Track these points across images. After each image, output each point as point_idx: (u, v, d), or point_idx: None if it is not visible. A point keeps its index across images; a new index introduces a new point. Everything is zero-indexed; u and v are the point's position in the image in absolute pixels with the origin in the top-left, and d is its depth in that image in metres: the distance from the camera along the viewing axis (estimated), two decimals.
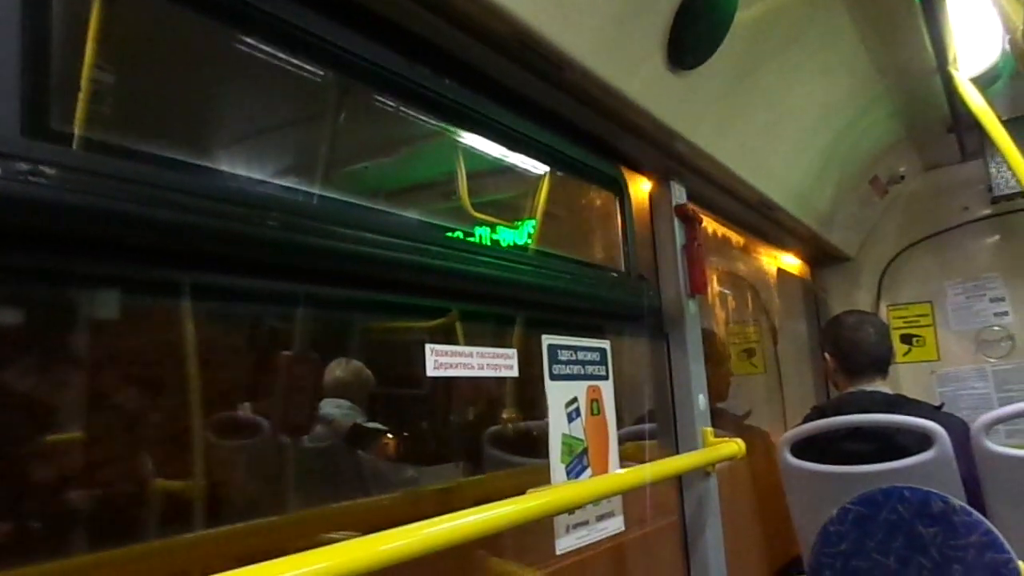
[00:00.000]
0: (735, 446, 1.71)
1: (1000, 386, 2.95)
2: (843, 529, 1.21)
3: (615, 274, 1.62)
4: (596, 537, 1.36)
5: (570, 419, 1.33)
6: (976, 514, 1.13)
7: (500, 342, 1.24)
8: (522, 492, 1.10)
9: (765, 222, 2.51)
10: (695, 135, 1.61)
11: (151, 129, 0.78)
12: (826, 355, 2.46)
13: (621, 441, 1.46)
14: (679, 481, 1.77)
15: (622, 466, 1.44)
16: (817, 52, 1.88)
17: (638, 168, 1.76)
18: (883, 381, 2.35)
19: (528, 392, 1.75)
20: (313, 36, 0.92)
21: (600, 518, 1.39)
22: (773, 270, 3.22)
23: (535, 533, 1.31)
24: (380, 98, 1.21)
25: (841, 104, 2.23)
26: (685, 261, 1.79)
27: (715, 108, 1.67)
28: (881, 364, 2.35)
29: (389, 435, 1.97)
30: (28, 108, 0.63)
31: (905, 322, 3.16)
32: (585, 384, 1.38)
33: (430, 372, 1.04)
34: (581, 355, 1.38)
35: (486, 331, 1.34)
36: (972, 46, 2.05)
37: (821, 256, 3.28)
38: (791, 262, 3.27)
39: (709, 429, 1.76)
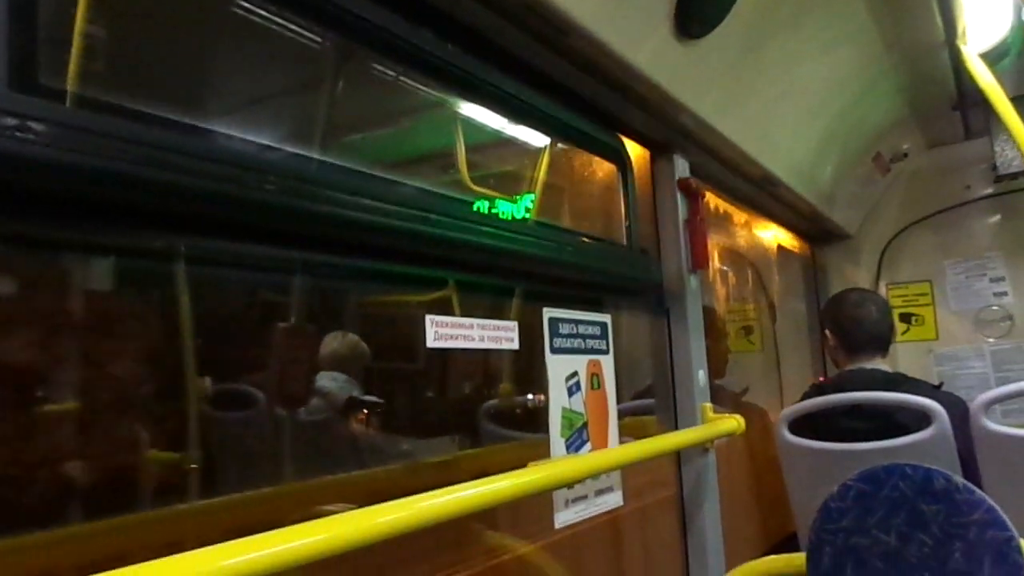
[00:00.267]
0: (734, 422, 1.70)
1: (998, 366, 2.95)
2: (844, 506, 1.21)
3: (616, 247, 1.60)
4: (595, 511, 1.36)
5: (570, 393, 1.32)
6: (979, 492, 1.13)
7: (499, 316, 1.22)
8: (521, 466, 1.09)
9: (766, 198, 2.49)
10: (700, 107, 1.59)
11: (145, 87, 0.76)
12: (826, 332, 2.45)
13: (620, 416, 1.45)
14: (677, 456, 1.76)
15: (621, 441, 1.43)
16: (825, 25, 1.84)
17: (641, 140, 1.74)
18: (883, 359, 2.34)
19: (526, 367, 1.74)
20: None
21: (599, 493, 1.38)
22: (773, 247, 3.21)
23: (534, 507, 1.30)
24: (380, 66, 1.19)
25: (847, 79, 2.20)
26: (687, 236, 1.77)
27: (721, 80, 1.64)
28: (882, 342, 2.34)
29: (385, 409, 1.96)
30: (15, 60, 0.60)
31: (904, 301, 3.15)
32: (586, 358, 1.37)
33: (430, 343, 1.02)
34: (582, 329, 1.37)
35: (485, 305, 1.33)
36: (982, 20, 2.01)
37: (821, 234, 3.26)
38: (791, 239, 3.26)
39: (708, 405, 1.75)
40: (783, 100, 1.99)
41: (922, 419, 2.01)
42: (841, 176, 2.73)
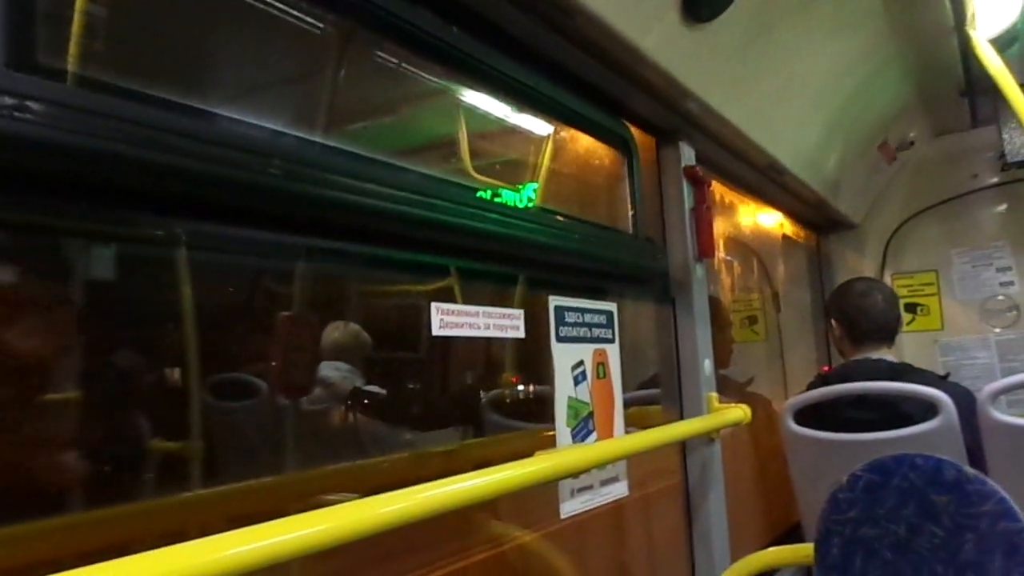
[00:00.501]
0: (740, 412, 1.69)
1: (1003, 356, 2.93)
2: (853, 496, 1.19)
3: (622, 235, 1.58)
4: (600, 501, 1.35)
5: (576, 382, 1.30)
6: (990, 483, 1.11)
7: (504, 305, 1.21)
8: (526, 456, 1.07)
9: (772, 186, 2.47)
10: (706, 93, 1.57)
11: (146, 68, 0.74)
12: (832, 322, 2.43)
13: (626, 405, 1.44)
14: (683, 446, 1.75)
15: (627, 431, 1.42)
16: (833, 9, 1.82)
17: (646, 127, 1.72)
18: (889, 349, 2.32)
19: (531, 357, 1.73)
20: None
21: (604, 482, 1.37)
22: (778, 236, 3.18)
23: (539, 497, 1.29)
24: (382, 51, 1.17)
25: (854, 65, 2.17)
26: (693, 224, 1.76)
27: (728, 66, 1.62)
28: (888, 332, 2.32)
29: (389, 399, 1.95)
30: (13, 39, 0.59)
31: (910, 291, 3.13)
32: (591, 347, 1.35)
33: (435, 330, 1.00)
34: (588, 317, 1.35)
35: (490, 293, 1.31)
36: (992, 5, 1.99)
37: (826, 223, 3.24)
38: (796, 229, 3.24)
39: (714, 395, 1.74)
40: (790, 86, 1.97)
41: (928, 409, 2.00)
42: (847, 164, 2.70)
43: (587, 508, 1.31)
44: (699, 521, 1.74)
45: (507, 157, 1.56)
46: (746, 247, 3.04)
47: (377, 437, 1.85)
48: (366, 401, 1.90)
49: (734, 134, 1.84)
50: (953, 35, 2.12)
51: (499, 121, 1.41)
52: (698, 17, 1.36)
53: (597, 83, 1.44)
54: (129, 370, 1.11)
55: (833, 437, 2.13)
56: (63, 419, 0.95)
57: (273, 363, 1.44)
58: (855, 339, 2.34)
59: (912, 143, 2.99)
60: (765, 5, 1.55)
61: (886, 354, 2.30)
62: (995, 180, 2.97)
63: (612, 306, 1.43)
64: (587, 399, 1.32)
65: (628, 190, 1.61)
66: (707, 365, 1.75)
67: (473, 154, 1.44)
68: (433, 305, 1.01)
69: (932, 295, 3.10)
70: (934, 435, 1.96)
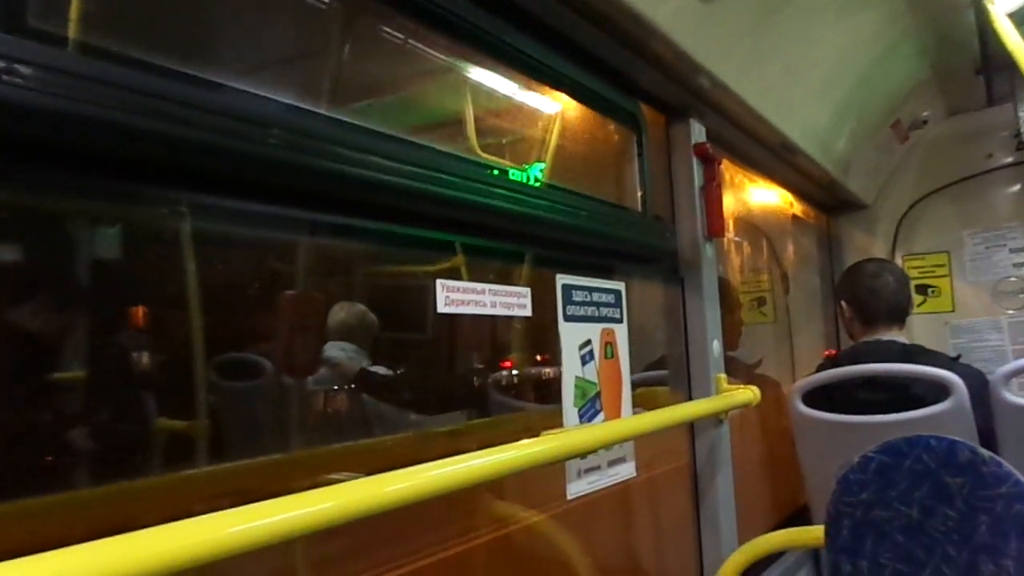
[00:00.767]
0: (749, 393, 1.67)
1: (1016, 338, 2.90)
2: (865, 478, 1.18)
3: (631, 213, 1.56)
4: (608, 482, 1.33)
5: (583, 362, 1.28)
6: (1006, 465, 1.09)
7: (510, 284, 1.19)
8: (532, 436, 1.06)
9: (783, 166, 2.43)
10: (718, 68, 1.53)
11: (141, 33, 0.72)
12: (842, 303, 2.40)
13: (634, 386, 1.42)
14: (691, 428, 1.74)
15: (634, 412, 1.41)
16: None
17: (657, 104, 1.69)
18: (900, 331, 2.30)
19: (539, 337, 1.71)
20: None
21: (612, 463, 1.36)
22: (787, 217, 3.15)
23: (546, 478, 1.28)
24: (388, 27, 1.14)
25: (868, 40, 2.13)
26: (703, 202, 1.73)
27: (740, 41, 1.59)
28: (899, 314, 2.30)
29: (394, 379, 1.94)
30: (3, 1, 0.57)
31: (921, 272, 3.09)
32: (599, 327, 1.33)
33: (440, 308, 0.99)
34: (596, 296, 1.33)
35: (497, 270, 1.29)
36: None
37: (837, 203, 3.20)
38: (806, 209, 3.20)
39: (723, 376, 1.72)
40: (802, 62, 1.93)
41: (939, 391, 1.98)
42: (859, 143, 2.66)
43: (594, 489, 1.30)
44: (707, 503, 1.73)
45: (514, 136, 1.54)
46: (755, 227, 3.01)
47: (382, 417, 1.84)
48: (372, 381, 1.89)
49: (745, 111, 1.80)
50: (970, 9, 2.07)
51: (506, 99, 1.38)
52: None
53: (607, 58, 1.41)
54: (130, 348, 1.09)
55: (843, 419, 2.11)
56: (66, 399, 0.94)
57: (278, 343, 1.43)
58: (865, 320, 2.31)
59: (925, 122, 2.94)
60: None
61: (897, 335, 2.27)
62: (1010, 160, 2.93)
63: (620, 285, 1.41)
64: (594, 379, 1.30)
65: (637, 168, 1.58)
66: (716, 346, 1.73)
67: (480, 133, 1.42)
68: (438, 282, 0.99)
69: (944, 276, 3.06)
70: (945, 417, 1.94)
